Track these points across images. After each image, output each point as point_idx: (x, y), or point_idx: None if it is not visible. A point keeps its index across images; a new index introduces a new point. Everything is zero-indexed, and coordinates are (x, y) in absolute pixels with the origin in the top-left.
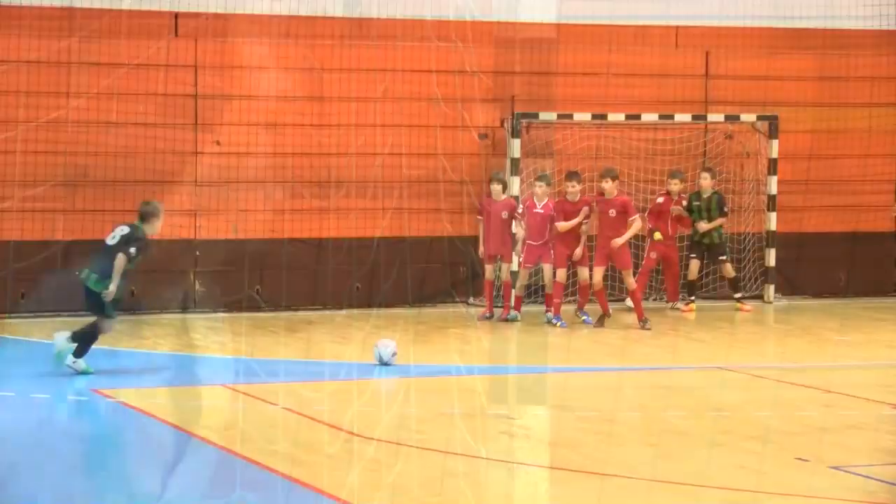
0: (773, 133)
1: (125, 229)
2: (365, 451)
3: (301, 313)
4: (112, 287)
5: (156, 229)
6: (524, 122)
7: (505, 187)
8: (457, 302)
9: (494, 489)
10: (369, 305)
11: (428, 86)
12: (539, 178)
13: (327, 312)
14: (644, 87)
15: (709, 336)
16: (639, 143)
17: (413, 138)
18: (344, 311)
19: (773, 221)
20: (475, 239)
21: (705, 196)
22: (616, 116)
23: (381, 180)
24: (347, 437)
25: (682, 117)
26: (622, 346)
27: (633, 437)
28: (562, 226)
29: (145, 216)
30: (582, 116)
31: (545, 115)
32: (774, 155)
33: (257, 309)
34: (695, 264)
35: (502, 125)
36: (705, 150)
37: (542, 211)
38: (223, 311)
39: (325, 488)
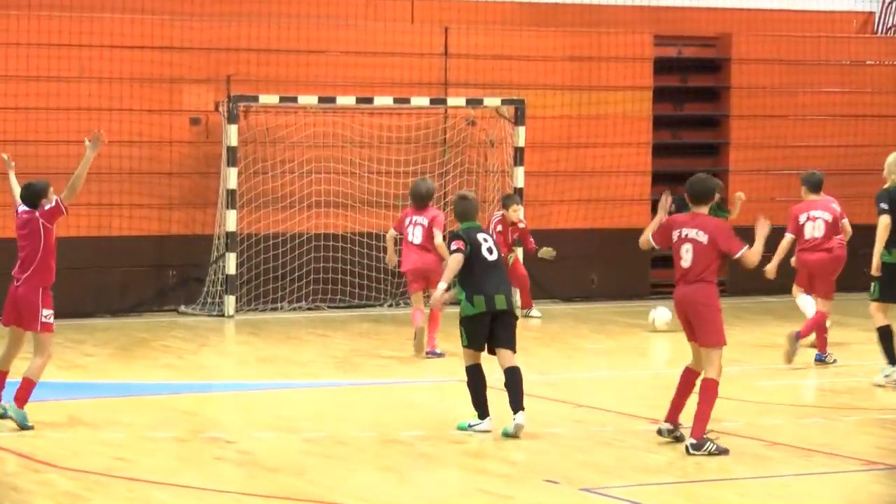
0: (519, 119)
1: (486, 235)
2: (59, 482)
3: None
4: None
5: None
6: (242, 105)
7: None
8: (165, 310)
9: None
10: (62, 315)
11: (132, 63)
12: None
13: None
14: (376, 66)
15: (449, 346)
16: (371, 129)
17: (114, 123)
18: None
19: (521, 216)
20: (185, 237)
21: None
22: (346, 100)
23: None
24: (38, 466)
25: (420, 101)
26: (350, 358)
27: (365, 459)
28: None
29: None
30: (308, 99)
31: (266, 98)
32: (521, 143)
33: None
34: None
35: (217, 109)
36: (445, 138)
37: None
38: None
39: None
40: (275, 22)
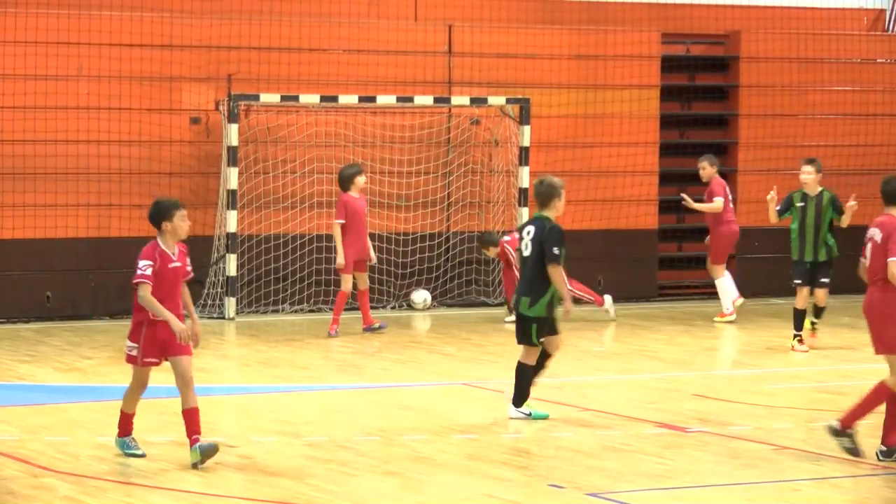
0: (524, 118)
1: (533, 229)
2: (57, 487)
3: None
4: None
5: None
6: (242, 104)
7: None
8: None
9: None
10: (60, 317)
11: (131, 62)
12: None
13: (11, 326)
14: (379, 65)
15: (454, 348)
16: (374, 129)
17: (113, 123)
18: (32, 325)
19: (524, 217)
20: (185, 238)
21: (813, 195)
22: (348, 99)
23: (78, 171)
24: (35, 471)
25: (423, 100)
26: (355, 361)
27: (369, 464)
28: None
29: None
30: (309, 98)
31: (267, 97)
32: (526, 143)
33: None
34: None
35: (217, 108)
36: (449, 138)
37: None
38: None
39: None
40: (276, 20)
